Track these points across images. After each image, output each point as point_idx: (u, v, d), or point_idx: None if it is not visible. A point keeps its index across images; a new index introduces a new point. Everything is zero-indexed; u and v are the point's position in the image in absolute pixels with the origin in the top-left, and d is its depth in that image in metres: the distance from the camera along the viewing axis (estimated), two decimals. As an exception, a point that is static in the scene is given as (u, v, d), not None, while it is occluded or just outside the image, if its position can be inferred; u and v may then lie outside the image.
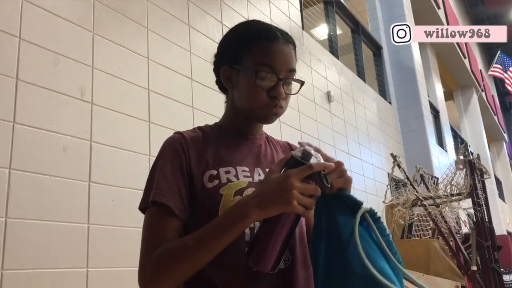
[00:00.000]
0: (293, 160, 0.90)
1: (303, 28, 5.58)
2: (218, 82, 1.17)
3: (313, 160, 0.90)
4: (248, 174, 1.08)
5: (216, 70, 1.15)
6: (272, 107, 1.07)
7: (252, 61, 1.05)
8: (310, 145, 0.95)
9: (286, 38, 1.09)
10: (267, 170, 1.08)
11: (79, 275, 2.33)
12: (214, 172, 1.05)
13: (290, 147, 1.25)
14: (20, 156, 2.19)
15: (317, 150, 0.94)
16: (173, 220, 0.99)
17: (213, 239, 0.91)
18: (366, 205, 0.93)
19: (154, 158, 1.07)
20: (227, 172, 1.06)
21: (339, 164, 0.95)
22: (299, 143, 0.97)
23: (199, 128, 1.15)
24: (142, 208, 1.04)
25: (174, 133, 1.11)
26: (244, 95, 1.08)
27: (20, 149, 2.20)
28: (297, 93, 1.13)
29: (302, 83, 1.11)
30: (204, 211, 1.02)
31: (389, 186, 4.48)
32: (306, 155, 0.90)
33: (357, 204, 0.93)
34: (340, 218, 0.92)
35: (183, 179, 1.03)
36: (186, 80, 3.36)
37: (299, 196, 0.86)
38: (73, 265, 2.32)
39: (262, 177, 1.09)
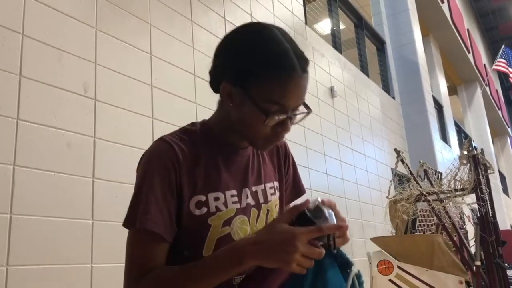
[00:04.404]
0: (303, 217, 0.86)
1: (306, 23, 5.56)
2: (212, 83, 1.07)
3: (324, 220, 0.85)
4: (236, 199, 1.05)
5: (215, 76, 1.05)
6: (274, 141, 1.03)
7: (263, 96, 0.94)
8: (323, 202, 0.89)
9: (303, 67, 0.96)
10: (253, 188, 1.08)
11: (83, 271, 2.33)
12: (203, 198, 1.01)
13: (277, 147, 1.20)
14: (24, 152, 2.20)
15: (330, 205, 0.89)
16: (162, 246, 0.97)
17: (206, 277, 0.89)
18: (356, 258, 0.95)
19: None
20: (216, 199, 1.02)
21: (344, 225, 0.91)
22: (313, 200, 0.90)
23: (186, 132, 1.07)
24: (127, 225, 1.02)
25: (161, 141, 1.03)
26: (246, 124, 1.00)
27: (24, 146, 2.20)
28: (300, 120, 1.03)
29: (309, 112, 1.02)
30: (190, 236, 1.00)
31: (392, 182, 4.46)
32: (318, 213, 0.86)
33: (349, 264, 0.93)
34: (329, 272, 0.91)
35: (173, 201, 0.98)
36: (189, 76, 3.36)
37: (300, 259, 0.83)
38: (78, 261, 2.32)
39: (249, 199, 1.07)
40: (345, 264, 0.92)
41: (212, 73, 1.07)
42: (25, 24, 2.34)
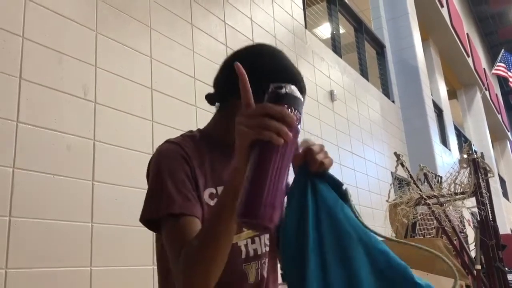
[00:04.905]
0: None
1: (306, 27, 5.57)
2: (217, 95, 1.13)
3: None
4: None
5: (224, 88, 1.12)
6: None
7: None
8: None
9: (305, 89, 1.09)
10: None
11: (82, 274, 2.33)
12: (213, 190, 1.06)
13: None
14: (24, 155, 2.19)
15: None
16: (198, 224, 0.98)
17: (215, 221, 0.89)
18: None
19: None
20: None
21: (322, 146, 0.94)
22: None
23: (187, 136, 1.13)
24: (153, 218, 1.00)
25: (169, 143, 1.08)
26: None
27: (23, 148, 2.20)
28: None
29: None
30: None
31: (392, 185, 4.46)
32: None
33: (340, 184, 0.95)
34: (326, 193, 0.92)
35: (192, 187, 1.02)
36: (189, 79, 3.36)
37: (271, 123, 0.74)
38: (77, 264, 2.32)
39: None
40: (337, 185, 0.94)
41: (221, 85, 1.13)
42: (25, 27, 2.34)
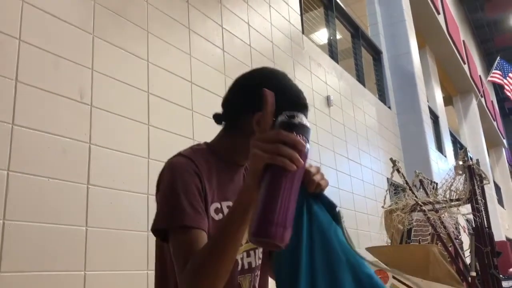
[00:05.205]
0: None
1: (303, 33, 5.58)
2: (227, 114, 1.19)
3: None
4: None
5: (235, 107, 1.18)
6: None
7: None
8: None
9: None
10: None
11: (76, 278, 2.31)
12: (218, 205, 1.13)
13: None
14: (19, 158, 2.18)
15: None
16: (205, 238, 1.03)
17: (224, 235, 0.95)
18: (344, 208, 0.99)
19: (160, 163, 1.08)
20: (228, 207, 1.12)
21: (319, 168, 1.03)
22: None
23: (196, 150, 1.19)
24: (164, 228, 1.06)
25: (182, 156, 1.14)
26: None
27: (19, 151, 2.19)
28: None
29: None
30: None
31: (388, 191, 4.47)
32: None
33: (334, 206, 0.99)
34: (321, 215, 0.97)
35: (201, 200, 1.08)
36: (186, 83, 3.36)
37: (283, 149, 0.82)
38: (71, 268, 2.31)
39: None
40: (331, 206, 0.99)
41: (228, 105, 1.20)
42: (22, 29, 2.33)
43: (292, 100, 1.12)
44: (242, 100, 1.16)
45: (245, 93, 1.17)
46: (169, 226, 1.04)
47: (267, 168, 0.84)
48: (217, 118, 1.21)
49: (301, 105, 1.13)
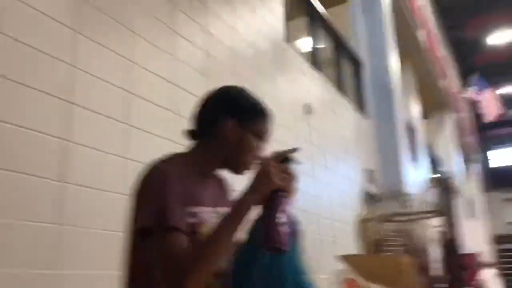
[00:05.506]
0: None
1: (286, 41, 5.63)
2: (200, 127, 1.40)
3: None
4: (211, 215, 1.32)
5: (206, 119, 1.40)
6: (249, 166, 1.37)
7: (254, 131, 1.40)
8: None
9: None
10: (219, 209, 1.36)
11: (51, 277, 2.29)
12: (193, 209, 1.26)
13: (226, 186, 1.53)
14: (-5, 152, 2.15)
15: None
16: (185, 240, 1.17)
17: (220, 233, 1.16)
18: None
19: (138, 164, 1.11)
20: (201, 212, 1.28)
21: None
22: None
23: (179, 157, 1.35)
24: (148, 227, 1.17)
25: (166, 163, 1.29)
26: (241, 151, 1.37)
27: (-5, 146, 2.16)
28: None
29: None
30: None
31: (363, 201, 4.54)
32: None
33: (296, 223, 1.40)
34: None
35: (184, 204, 1.22)
36: (170, 86, 3.36)
37: (279, 174, 1.22)
38: (44, 267, 2.28)
39: (217, 217, 1.33)
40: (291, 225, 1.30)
41: (203, 118, 1.40)
42: (3, 23, 2.31)
43: (251, 105, 1.40)
44: (216, 110, 1.38)
45: (216, 104, 1.38)
46: (157, 225, 1.14)
47: (275, 191, 1.20)
48: (191, 133, 1.39)
49: (259, 111, 1.41)
